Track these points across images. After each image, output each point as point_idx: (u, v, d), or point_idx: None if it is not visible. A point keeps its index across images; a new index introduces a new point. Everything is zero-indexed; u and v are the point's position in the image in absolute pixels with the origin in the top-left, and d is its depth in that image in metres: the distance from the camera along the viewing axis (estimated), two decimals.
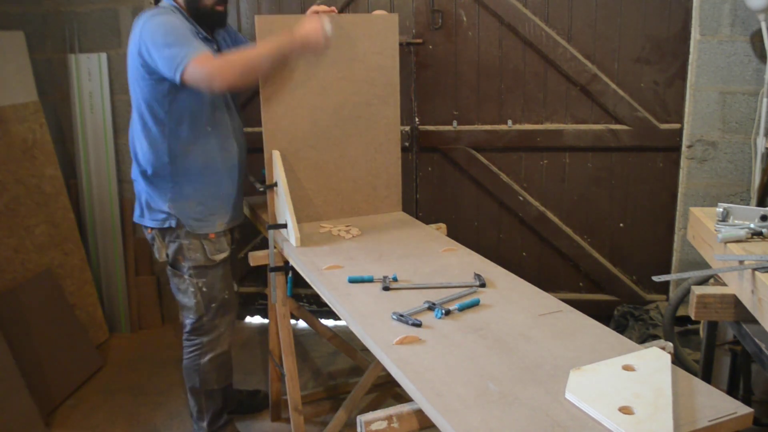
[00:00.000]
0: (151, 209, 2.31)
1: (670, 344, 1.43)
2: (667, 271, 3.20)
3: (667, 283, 3.22)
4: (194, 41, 2.09)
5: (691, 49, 2.94)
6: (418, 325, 1.53)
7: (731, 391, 2.14)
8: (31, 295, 2.91)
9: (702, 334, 2.02)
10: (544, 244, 3.31)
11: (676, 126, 3.06)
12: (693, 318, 1.76)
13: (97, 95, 3.35)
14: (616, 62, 3.06)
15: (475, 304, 1.63)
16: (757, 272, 1.53)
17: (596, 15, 3.03)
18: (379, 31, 2.36)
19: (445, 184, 3.32)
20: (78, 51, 3.32)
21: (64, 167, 3.37)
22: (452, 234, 2.36)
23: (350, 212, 2.47)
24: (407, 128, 3.22)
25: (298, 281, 2.24)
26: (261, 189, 2.31)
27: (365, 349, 1.64)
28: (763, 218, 1.79)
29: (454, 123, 3.22)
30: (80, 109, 3.37)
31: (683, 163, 3.05)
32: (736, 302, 1.71)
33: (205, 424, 2.49)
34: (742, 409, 1.15)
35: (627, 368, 1.27)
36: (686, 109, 3.01)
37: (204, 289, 2.35)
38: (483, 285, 1.75)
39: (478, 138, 3.21)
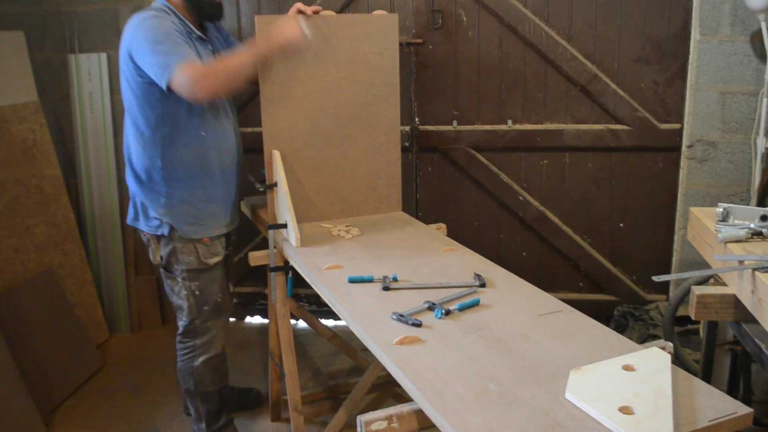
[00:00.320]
0: (147, 215, 2.29)
1: (670, 344, 1.43)
2: (667, 271, 3.20)
3: (667, 283, 3.22)
4: (182, 47, 2.07)
5: (691, 49, 2.94)
6: (418, 325, 1.53)
7: (731, 391, 2.14)
8: (31, 295, 2.90)
9: (702, 334, 2.02)
10: (544, 244, 3.31)
11: (676, 126, 3.06)
12: (693, 318, 1.76)
13: (97, 95, 3.35)
14: (616, 62, 3.06)
15: (475, 304, 1.63)
16: (757, 272, 1.53)
17: (596, 15, 3.03)
18: (379, 31, 2.36)
19: (445, 184, 3.32)
20: (78, 51, 3.32)
21: (64, 167, 3.37)
22: (452, 234, 2.35)
23: (350, 212, 2.47)
24: (407, 128, 3.22)
25: (298, 281, 2.24)
26: (261, 189, 2.31)
27: (365, 349, 1.63)
28: (763, 218, 1.80)
29: (454, 123, 3.22)
30: (80, 109, 3.37)
31: (683, 163, 3.05)
32: (736, 302, 1.71)
33: (203, 425, 2.49)
34: (742, 409, 1.15)
35: (627, 368, 1.28)
36: (686, 109, 3.01)
37: (197, 292, 2.33)
38: (483, 285, 1.75)
39: (478, 138, 3.21)
